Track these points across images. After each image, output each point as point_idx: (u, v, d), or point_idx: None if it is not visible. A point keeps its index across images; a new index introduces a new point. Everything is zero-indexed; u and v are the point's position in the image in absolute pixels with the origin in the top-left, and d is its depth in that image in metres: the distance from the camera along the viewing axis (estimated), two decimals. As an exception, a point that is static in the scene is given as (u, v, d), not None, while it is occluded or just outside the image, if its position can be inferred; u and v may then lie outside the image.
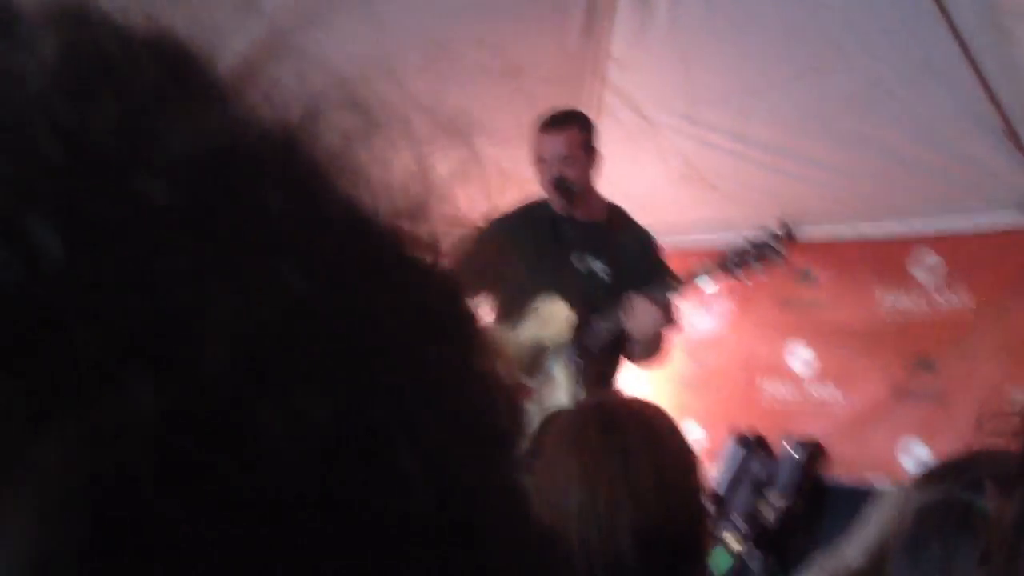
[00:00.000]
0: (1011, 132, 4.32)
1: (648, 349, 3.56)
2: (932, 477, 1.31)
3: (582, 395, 3.32)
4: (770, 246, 3.46)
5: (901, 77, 4.39)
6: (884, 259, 5.30)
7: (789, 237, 3.47)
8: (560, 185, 3.56)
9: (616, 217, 3.55)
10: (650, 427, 1.61)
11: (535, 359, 3.60)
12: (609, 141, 5.13)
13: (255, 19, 4.19)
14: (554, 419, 1.69)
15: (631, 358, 3.73)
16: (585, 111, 5.30)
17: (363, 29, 4.42)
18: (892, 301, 5.25)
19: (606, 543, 1.48)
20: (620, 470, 1.51)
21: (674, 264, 3.73)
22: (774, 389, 5.70)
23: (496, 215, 4.07)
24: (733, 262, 3.45)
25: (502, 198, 5.70)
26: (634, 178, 5.27)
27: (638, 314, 3.35)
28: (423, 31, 4.55)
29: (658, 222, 5.51)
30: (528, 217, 3.84)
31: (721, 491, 5.46)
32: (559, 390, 3.46)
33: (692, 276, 3.47)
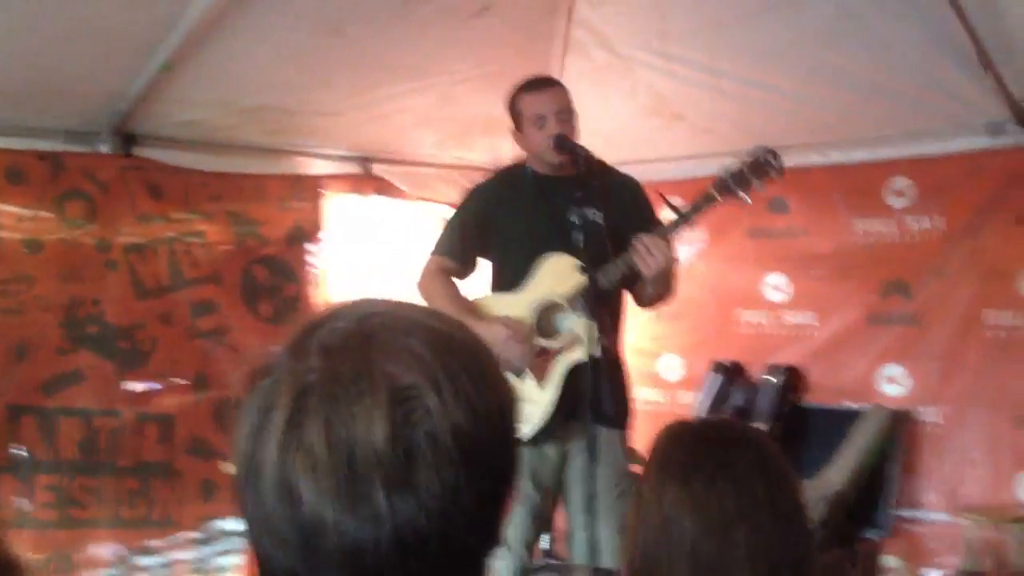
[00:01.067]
0: (984, 57, 4.33)
1: (662, 287, 3.56)
2: None
3: (600, 347, 3.31)
4: (767, 161, 3.48)
5: (873, 5, 4.39)
6: (856, 186, 5.32)
7: (776, 159, 3.50)
8: (561, 142, 3.56)
9: (590, 164, 3.54)
10: (758, 449, 1.62)
11: (548, 318, 3.62)
12: (579, 78, 5.13)
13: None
14: (658, 443, 1.67)
15: (642, 301, 3.74)
16: (554, 48, 5.30)
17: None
18: (865, 227, 5.29)
19: (723, 564, 1.50)
20: (733, 494, 1.53)
21: (656, 200, 3.74)
22: (750, 317, 5.76)
23: (475, 186, 4.08)
24: (733, 183, 3.45)
25: (467, 138, 5.72)
26: (604, 114, 5.25)
27: (653, 252, 3.35)
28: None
29: (629, 156, 5.54)
30: (510, 182, 3.86)
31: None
32: (578, 345, 3.46)
33: (696, 206, 3.47)
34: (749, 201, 3.50)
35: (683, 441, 1.65)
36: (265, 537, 0.85)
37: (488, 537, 0.90)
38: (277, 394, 0.85)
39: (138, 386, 4.81)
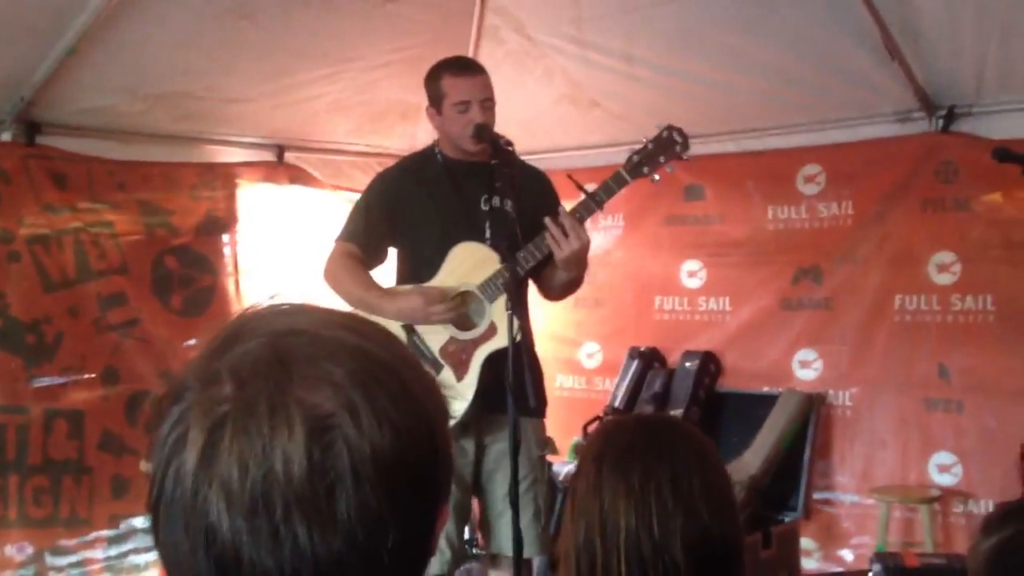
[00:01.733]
0: (891, 45, 4.40)
1: (574, 271, 3.51)
2: (995, 522, 1.35)
3: (518, 335, 3.27)
4: (672, 139, 3.49)
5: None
6: (769, 173, 5.40)
7: (682, 135, 3.52)
8: (482, 132, 3.50)
9: (501, 154, 3.50)
10: (693, 443, 1.66)
11: (464, 307, 3.57)
12: (494, 64, 5.10)
13: None
14: (595, 439, 1.72)
15: (550, 289, 3.69)
16: (467, 33, 5.27)
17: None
18: (777, 213, 5.37)
19: (659, 554, 1.55)
20: (670, 485, 1.57)
21: (565, 184, 3.73)
22: (666, 304, 5.80)
23: (382, 171, 3.99)
24: (641, 163, 3.46)
25: (383, 124, 5.67)
26: (519, 101, 5.24)
27: (567, 233, 3.33)
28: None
29: (545, 144, 5.55)
30: (418, 167, 3.75)
31: (620, 404, 5.57)
32: (496, 335, 3.41)
33: (607, 188, 3.46)
34: (656, 178, 3.52)
35: (620, 436, 1.69)
36: (178, 571, 0.82)
37: (422, 553, 0.88)
38: (189, 425, 0.81)
39: (45, 381, 4.68)
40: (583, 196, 3.46)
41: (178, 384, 0.85)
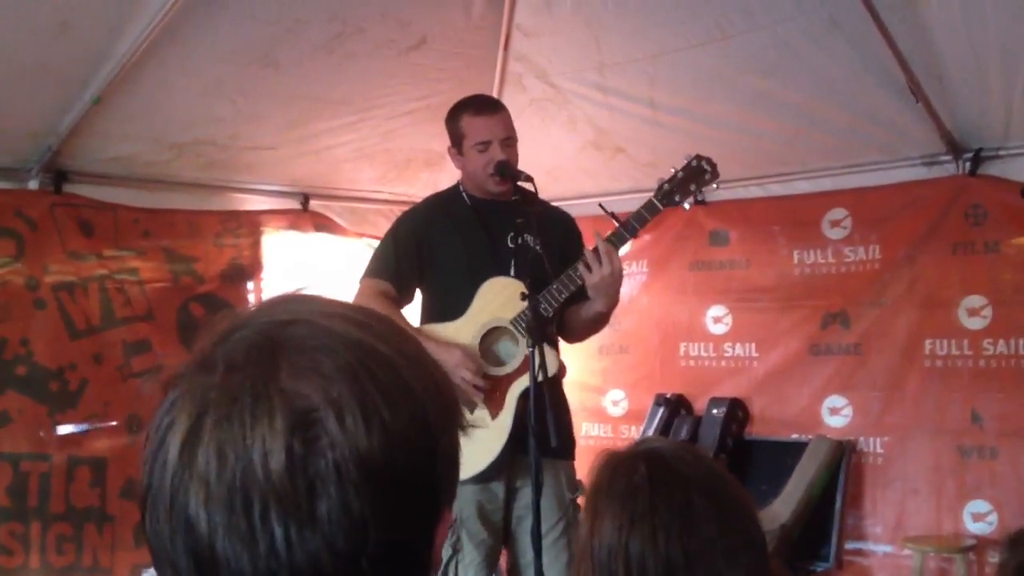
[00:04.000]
0: (917, 89, 4.37)
1: (605, 302, 3.45)
2: (1021, 538, 1.31)
3: (551, 369, 3.23)
4: (701, 168, 3.50)
5: (808, 37, 4.42)
6: (794, 217, 5.36)
7: (710, 163, 3.52)
8: (504, 169, 3.49)
9: (525, 193, 3.49)
10: (708, 476, 1.58)
11: (493, 344, 3.51)
12: (518, 111, 5.10)
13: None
14: (601, 469, 1.64)
15: (576, 327, 3.64)
16: (491, 81, 5.28)
17: (269, 7, 4.33)
18: (803, 258, 5.32)
19: None
20: (679, 525, 1.50)
21: (591, 229, 3.70)
22: (692, 350, 5.75)
23: (407, 211, 3.97)
24: (672, 191, 3.47)
25: (408, 172, 5.68)
26: (544, 147, 5.24)
27: (600, 259, 3.30)
28: (329, 6, 4.46)
29: (570, 191, 5.53)
30: (444, 206, 3.72)
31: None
32: (528, 372, 3.36)
33: (639, 217, 3.45)
34: (687, 207, 3.54)
35: (619, 470, 1.61)
36: (165, 567, 0.78)
37: (415, 564, 0.82)
38: (178, 412, 0.78)
39: (69, 429, 4.67)
40: (616, 226, 3.45)
41: (177, 371, 0.81)
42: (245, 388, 0.76)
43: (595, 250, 3.35)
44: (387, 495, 0.77)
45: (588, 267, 3.33)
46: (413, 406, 0.80)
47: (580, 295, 3.43)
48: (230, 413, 0.75)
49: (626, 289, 5.78)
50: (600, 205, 3.63)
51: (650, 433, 5.57)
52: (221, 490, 0.73)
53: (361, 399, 0.77)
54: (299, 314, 0.82)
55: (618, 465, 1.63)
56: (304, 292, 0.89)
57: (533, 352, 3.12)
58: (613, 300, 3.48)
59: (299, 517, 0.74)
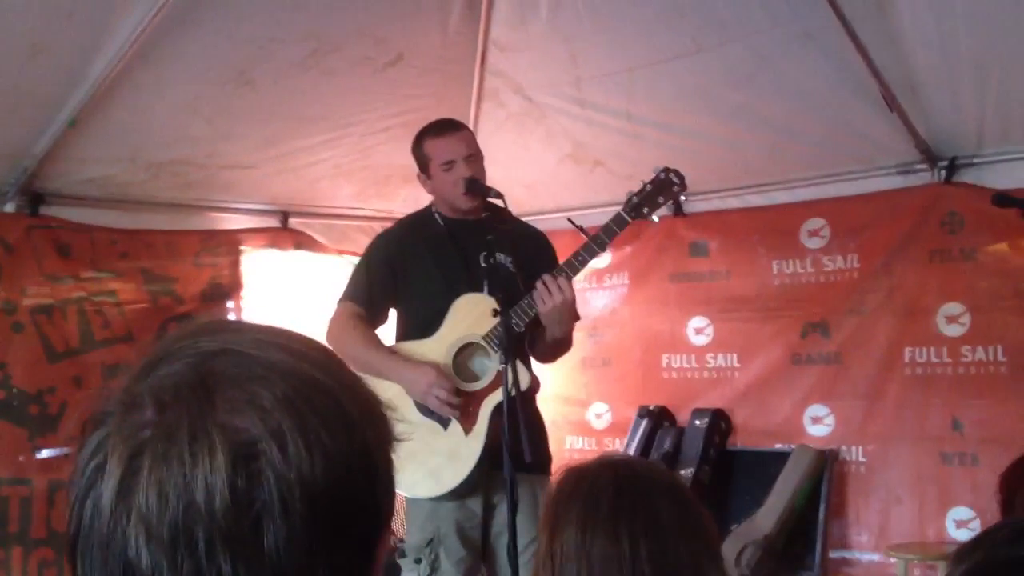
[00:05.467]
0: (891, 99, 4.41)
1: (560, 328, 3.49)
2: (966, 549, 1.31)
3: (523, 384, 3.24)
4: (669, 180, 3.54)
5: (782, 50, 4.45)
6: (773, 227, 5.37)
7: (678, 176, 3.55)
8: (473, 185, 3.53)
9: (496, 210, 3.54)
10: (671, 482, 1.63)
11: (466, 360, 3.54)
12: (496, 126, 5.12)
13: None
14: (562, 481, 1.66)
15: (542, 350, 3.67)
16: (468, 96, 5.29)
17: (243, 26, 4.32)
18: (783, 268, 5.33)
19: None
20: (643, 528, 1.52)
21: (568, 245, 3.72)
22: (674, 362, 5.75)
23: (381, 233, 4.02)
24: (640, 204, 3.50)
25: (387, 188, 5.67)
26: (522, 161, 5.25)
27: (550, 290, 3.33)
28: (304, 23, 4.46)
29: (549, 204, 5.54)
30: (417, 227, 3.78)
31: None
32: (501, 387, 3.37)
33: (607, 230, 3.48)
34: (656, 219, 3.59)
35: (582, 478, 1.63)
36: None
37: None
38: (108, 452, 0.76)
39: (49, 452, 4.63)
40: (586, 240, 3.47)
41: (101, 408, 0.79)
42: (182, 425, 0.74)
43: (544, 282, 3.37)
44: (332, 522, 0.77)
45: (541, 296, 3.36)
46: (352, 432, 0.80)
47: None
48: (167, 452, 0.73)
49: (607, 301, 5.85)
50: (569, 219, 3.65)
51: (633, 446, 5.57)
52: (163, 530, 0.72)
53: (302, 428, 0.76)
54: (228, 343, 0.81)
55: (580, 475, 1.65)
56: (226, 319, 0.88)
57: (506, 368, 3.14)
58: (567, 327, 3.55)
59: (246, 553, 0.73)
